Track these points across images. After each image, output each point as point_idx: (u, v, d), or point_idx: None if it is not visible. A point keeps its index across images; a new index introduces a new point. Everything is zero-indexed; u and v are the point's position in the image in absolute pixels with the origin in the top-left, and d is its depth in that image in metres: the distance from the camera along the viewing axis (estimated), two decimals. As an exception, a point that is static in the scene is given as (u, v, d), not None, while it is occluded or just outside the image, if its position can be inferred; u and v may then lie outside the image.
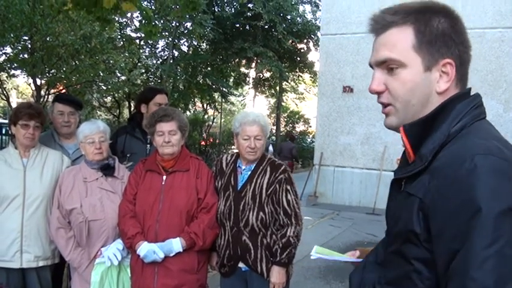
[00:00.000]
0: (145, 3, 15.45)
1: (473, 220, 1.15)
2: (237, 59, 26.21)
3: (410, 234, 1.31)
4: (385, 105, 1.48)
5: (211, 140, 26.12)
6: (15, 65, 13.95)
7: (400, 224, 1.38)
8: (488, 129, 1.38)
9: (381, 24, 1.44)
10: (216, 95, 25.98)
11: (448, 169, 1.25)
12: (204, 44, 24.52)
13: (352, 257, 2.19)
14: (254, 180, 3.48)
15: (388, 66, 1.43)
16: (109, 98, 22.39)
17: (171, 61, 20.82)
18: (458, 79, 1.42)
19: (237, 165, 3.63)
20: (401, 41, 1.40)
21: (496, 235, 1.13)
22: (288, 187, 3.45)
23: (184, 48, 23.35)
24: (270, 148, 17.46)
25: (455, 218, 1.20)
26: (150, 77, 21.60)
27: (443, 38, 1.39)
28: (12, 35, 12.04)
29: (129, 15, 16.03)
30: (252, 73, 29.85)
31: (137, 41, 19.40)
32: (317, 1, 24.58)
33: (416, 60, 1.39)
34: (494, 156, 1.22)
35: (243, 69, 29.08)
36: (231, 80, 28.23)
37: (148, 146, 4.34)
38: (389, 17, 1.43)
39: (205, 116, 27.68)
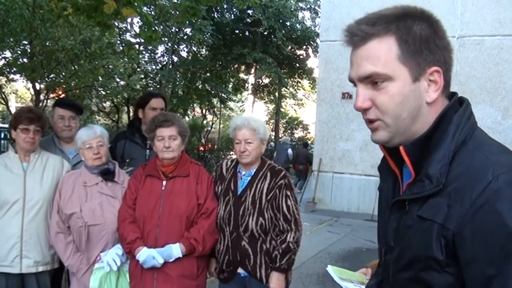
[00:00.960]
0: (146, 8, 15.45)
1: (509, 245, 1.12)
2: (236, 65, 26.25)
3: (430, 260, 1.26)
4: (372, 121, 1.38)
5: (210, 146, 26.11)
6: (15, 69, 13.95)
7: (414, 250, 1.32)
8: (491, 141, 1.34)
9: (359, 36, 1.34)
10: (215, 100, 26.01)
11: (472, 192, 1.20)
12: (204, 50, 24.58)
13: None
14: (254, 186, 3.48)
15: (372, 80, 1.33)
16: (108, 103, 22.41)
17: (171, 66, 20.85)
18: (444, 86, 1.36)
19: (237, 170, 3.64)
20: (385, 52, 1.31)
21: None
22: (288, 193, 3.46)
23: (184, 54, 23.41)
24: (290, 151, 17.52)
25: (488, 244, 1.15)
26: (150, 82, 21.63)
27: (428, 44, 1.31)
28: (11, 40, 12.06)
29: (129, 20, 16.07)
30: (251, 79, 29.87)
31: (137, 46, 19.41)
32: (316, 8, 24.61)
33: (403, 71, 1.31)
34: None
35: (242, 75, 29.09)
36: (230, 85, 28.25)
37: (147, 151, 4.34)
38: (368, 28, 1.32)
39: (204, 122, 27.69)
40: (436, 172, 1.29)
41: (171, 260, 3.36)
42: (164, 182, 3.52)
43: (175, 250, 3.35)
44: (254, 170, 3.56)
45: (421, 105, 1.33)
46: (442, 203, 1.26)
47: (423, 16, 1.33)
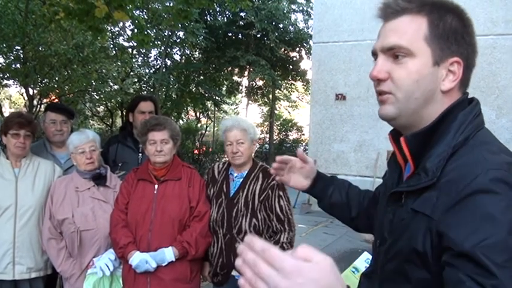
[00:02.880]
0: (138, 12, 15.42)
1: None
2: (230, 68, 26.21)
3: (412, 252, 1.27)
4: (382, 94, 1.40)
5: (204, 149, 26.09)
6: (8, 75, 13.90)
7: (402, 242, 1.33)
8: (493, 141, 1.34)
9: (393, 9, 1.37)
10: (208, 103, 25.94)
11: (459, 184, 1.21)
12: (197, 53, 24.54)
13: None
14: (246, 187, 3.47)
15: (394, 53, 1.36)
16: (102, 107, 22.35)
17: (164, 70, 20.80)
18: (462, 82, 1.38)
19: (229, 172, 3.63)
20: (414, 29, 1.34)
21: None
22: (281, 193, 3.45)
23: (177, 57, 23.34)
24: None
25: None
26: (143, 86, 21.57)
27: (456, 35, 1.34)
28: (4, 45, 12.00)
29: (121, 24, 16.03)
30: (245, 81, 29.83)
31: (130, 50, 19.37)
32: (309, 10, 24.62)
33: (426, 52, 1.33)
34: (507, 172, 1.19)
35: (235, 78, 29.04)
36: (224, 88, 28.22)
37: (140, 155, 4.33)
38: (404, 4, 1.36)
39: (198, 125, 27.67)
40: (432, 166, 1.31)
41: (164, 264, 3.36)
42: (156, 186, 3.52)
43: (168, 254, 3.34)
44: (246, 172, 3.56)
45: (435, 91, 1.35)
46: (433, 196, 1.27)
47: (457, 10, 1.37)
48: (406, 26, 1.35)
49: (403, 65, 1.35)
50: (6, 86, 16.43)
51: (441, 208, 1.22)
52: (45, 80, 14.16)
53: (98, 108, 22.50)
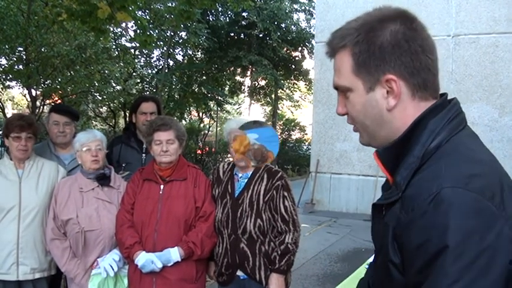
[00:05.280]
0: (140, 12, 15.43)
1: (438, 257, 1.12)
2: (232, 68, 26.23)
3: (389, 263, 1.28)
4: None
5: (207, 149, 26.09)
6: (10, 76, 13.93)
7: (381, 253, 1.35)
8: (464, 148, 1.29)
9: (331, 48, 1.41)
10: (211, 103, 25.95)
11: (415, 202, 1.19)
12: (199, 53, 24.57)
13: None
14: (251, 188, 3.47)
15: (340, 91, 1.42)
16: (104, 108, 22.38)
17: (166, 70, 20.82)
18: (413, 90, 1.32)
19: (234, 173, 3.63)
20: (343, 66, 1.37)
21: (459, 274, 1.10)
22: (285, 193, 3.45)
23: (179, 58, 23.38)
24: None
25: (420, 253, 1.16)
26: (146, 87, 21.60)
27: (381, 53, 1.29)
28: (7, 47, 12.03)
29: (123, 25, 16.06)
30: (247, 81, 29.87)
31: (132, 50, 19.40)
32: (311, 9, 24.65)
33: (358, 83, 1.35)
34: (462, 189, 1.15)
35: (238, 78, 29.09)
36: (227, 88, 28.25)
37: (143, 155, 4.34)
38: (335, 41, 1.39)
39: (201, 125, 27.68)
40: (401, 179, 1.30)
41: (169, 264, 3.35)
42: (162, 186, 3.52)
43: (174, 254, 3.34)
44: (251, 172, 3.56)
45: (382, 113, 1.34)
46: (397, 208, 1.28)
47: (396, 19, 1.31)
48: (338, 64, 1.39)
49: (349, 99, 1.40)
50: (9, 87, 16.48)
51: (401, 223, 1.23)
52: (48, 81, 14.21)
53: (101, 109, 22.56)
